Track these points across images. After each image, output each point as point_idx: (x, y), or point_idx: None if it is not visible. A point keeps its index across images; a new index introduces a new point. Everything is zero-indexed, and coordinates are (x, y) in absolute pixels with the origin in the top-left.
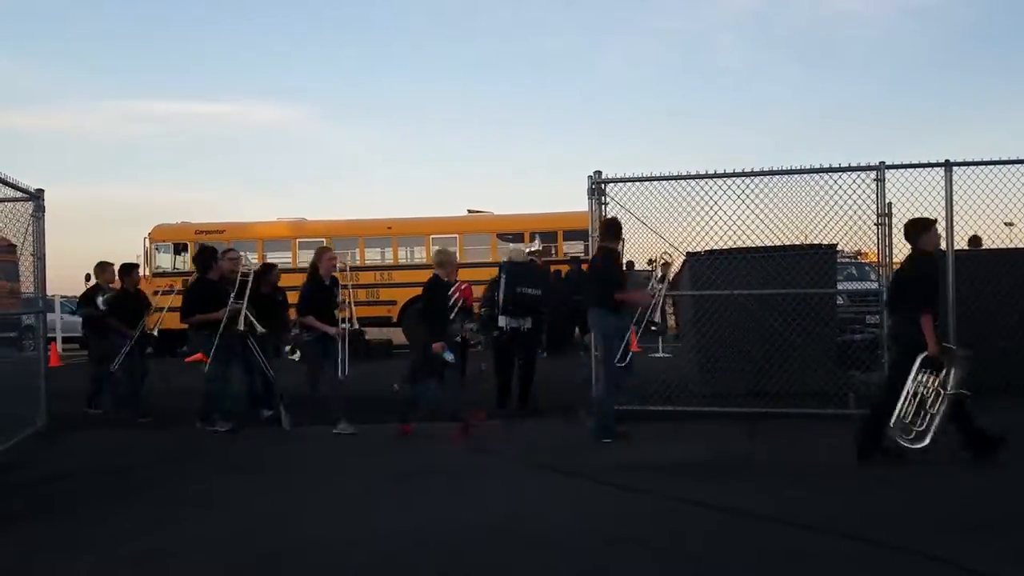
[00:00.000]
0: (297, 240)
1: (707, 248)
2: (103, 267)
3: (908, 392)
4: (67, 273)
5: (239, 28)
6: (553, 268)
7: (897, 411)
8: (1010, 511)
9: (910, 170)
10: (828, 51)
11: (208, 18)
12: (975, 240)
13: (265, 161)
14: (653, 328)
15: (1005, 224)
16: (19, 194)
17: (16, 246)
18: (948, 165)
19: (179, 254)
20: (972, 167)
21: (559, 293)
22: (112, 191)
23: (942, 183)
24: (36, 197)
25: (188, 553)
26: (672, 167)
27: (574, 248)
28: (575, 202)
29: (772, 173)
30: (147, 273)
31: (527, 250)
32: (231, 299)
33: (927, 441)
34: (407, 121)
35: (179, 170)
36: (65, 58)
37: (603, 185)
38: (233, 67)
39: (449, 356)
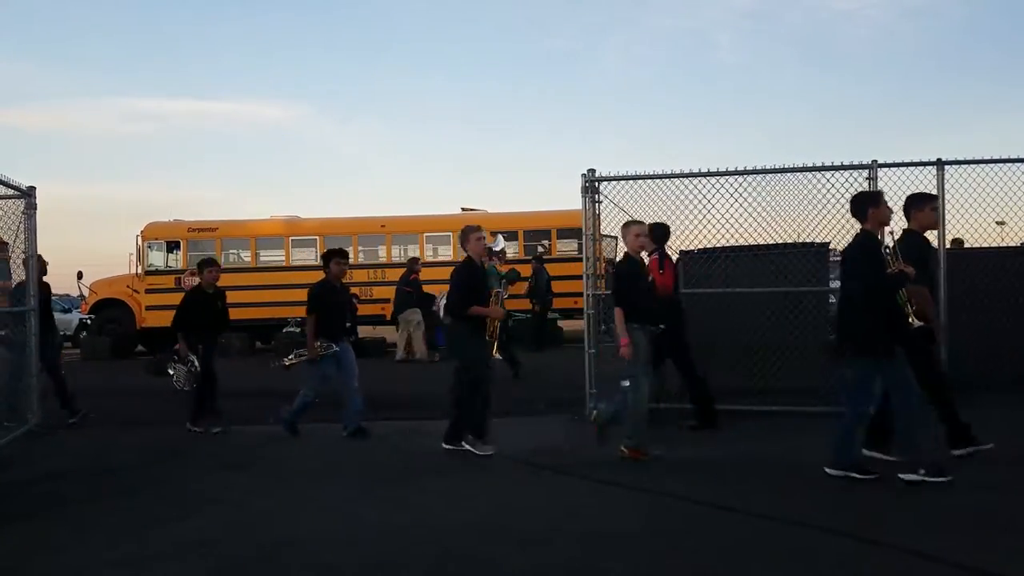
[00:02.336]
0: (290, 238)
1: (700, 247)
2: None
3: None
4: (60, 271)
5: (238, 27)
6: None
7: None
8: (1010, 509)
9: (902, 169)
10: (823, 51)
11: (207, 17)
12: (957, 242)
13: (263, 160)
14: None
15: (997, 223)
16: (11, 191)
17: (8, 244)
18: (940, 164)
19: (172, 252)
20: (964, 166)
21: None
22: (109, 189)
23: (934, 182)
24: (28, 195)
25: (179, 553)
26: (667, 166)
27: (568, 246)
28: (569, 200)
29: (765, 172)
30: (139, 271)
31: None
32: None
33: None
34: (404, 120)
35: (177, 169)
36: (63, 56)
37: (597, 183)
38: (232, 66)
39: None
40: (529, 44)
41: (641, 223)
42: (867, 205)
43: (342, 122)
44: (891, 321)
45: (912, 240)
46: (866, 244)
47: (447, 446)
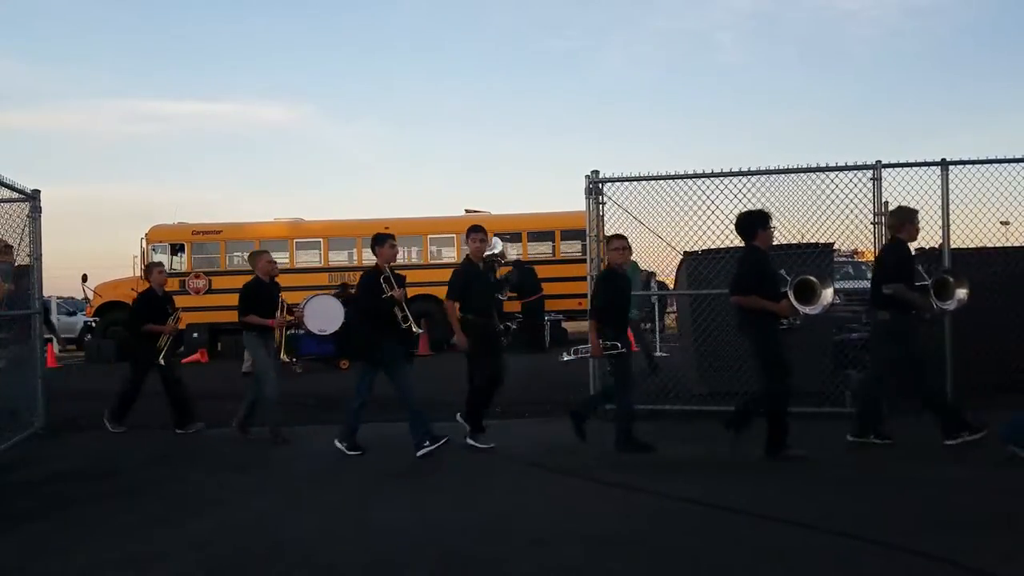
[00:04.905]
0: (294, 240)
1: (704, 247)
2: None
3: None
4: (65, 274)
5: (240, 28)
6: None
7: None
8: (1010, 509)
9: (906, 169)
10: (826, 51)
11: (209, 18)
12: None
13: (265, 161)
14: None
15: (1001, 223)
16: (15, 195)
17: (12, 247)
18: (944, 164)
19: (176, 255)
20: (968, 166)
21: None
22: (111, 191)
23: (938, 182)
24: (32, 198)
25: (181, 553)
26: (671, 167)
27: (572, 248)
28: (573, 202)
29: (769, 172)
30: (143, 274)
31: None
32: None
33: None
34: (406, 121)
35: (181, 170)
36: (65, 57)
37: (600, 185)
38: (234, 67)
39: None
40: (532, 45)
41: (265, 253)
42: (375, 245)
43: (346, 123)
44: (388, 333)
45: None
46: (371, 278)
47: (178, 431)
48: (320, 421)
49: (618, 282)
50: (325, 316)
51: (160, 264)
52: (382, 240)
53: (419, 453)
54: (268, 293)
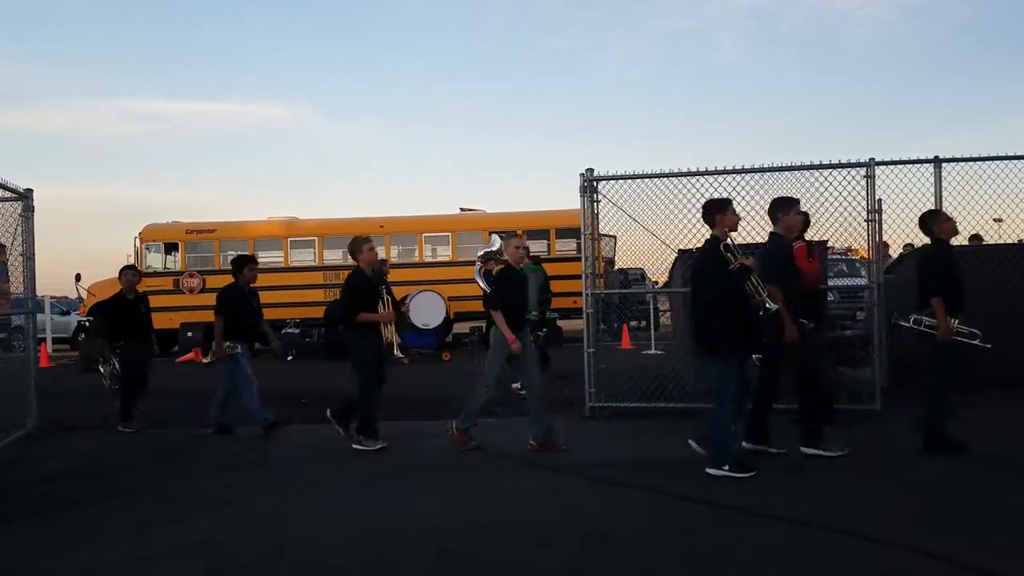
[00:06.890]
0: (289, 239)
1: (699, 245)
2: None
3: None
4: (58, 273)
5: (240, 28)
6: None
7: None
8: (1010, 509)
9: (900, 166)
10: (823, 50)
11: (208, 18)
12: (976, 237)
13: (264, 161)
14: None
15: (994, 220)
16: (8, 194)
17: (5, 246)
18: (937, 161)
19: (170, 254)
20: (961, 163)
21: None
22: (110, 191)
23: (932, 179)
24: (25, 197)
25: (179, 553)
26: (666, 164)
27: (567, 246)
28: (568, 200)
29: (763, 170)
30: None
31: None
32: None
33: None
34: (405, 121)
35: (176, 170)
36: (64, 57)
37: (595, 183)
38: (233, 67)
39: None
40: (530, 44)
41: (516, 238)
42: (715, 212)
43: (342, 123)
44: (741, 320)
45: (775, 242)
46: (712, 251)
47: (350, 436)
48: (315, 420)
49: (954, 258)
50: (429, 310)
51: (368, 239)
52: (723, 206)
53: (711, 471)
54: (523, 282)
